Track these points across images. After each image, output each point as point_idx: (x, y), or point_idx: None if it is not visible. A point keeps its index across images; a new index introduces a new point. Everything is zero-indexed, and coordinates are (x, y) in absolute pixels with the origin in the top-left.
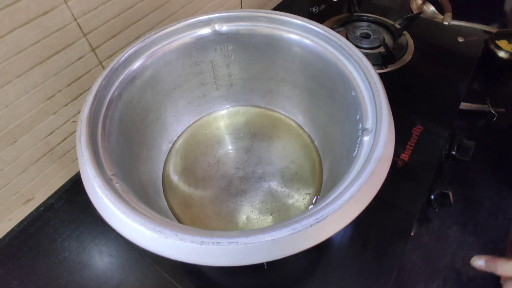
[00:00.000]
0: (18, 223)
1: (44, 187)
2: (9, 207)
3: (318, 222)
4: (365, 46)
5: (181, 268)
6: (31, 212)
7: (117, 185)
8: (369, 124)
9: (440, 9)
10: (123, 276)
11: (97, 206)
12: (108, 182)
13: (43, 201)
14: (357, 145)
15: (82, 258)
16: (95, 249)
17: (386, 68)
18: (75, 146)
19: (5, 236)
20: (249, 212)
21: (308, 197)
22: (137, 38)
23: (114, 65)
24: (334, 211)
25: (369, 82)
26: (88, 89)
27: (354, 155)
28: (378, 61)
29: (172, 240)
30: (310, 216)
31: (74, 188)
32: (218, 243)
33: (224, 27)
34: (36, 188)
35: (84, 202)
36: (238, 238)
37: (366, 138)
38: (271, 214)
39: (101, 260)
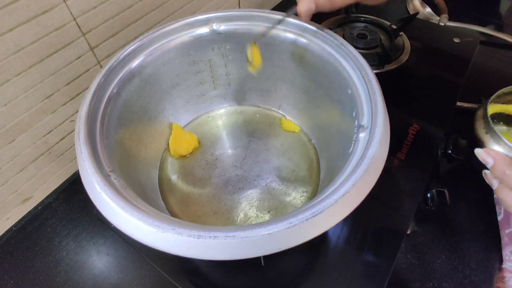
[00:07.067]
0: (16, 222)
1: (42, 186)
2: (7, 206)
3: (314, 216)
4: (362, 46)
5: (179, 267)
6: (29, 211)
7: (115, 181)
8: (365, 121)
9: (436, 11)
10: (121, 275)
11: (95, 202)
12: (106, 178)
13: (41, 201)
14: (353, 142)
15: (79, 257)
16: (93, 249)
17: (382, 68)
18: (73, 145)
19: (2, 235)
20: (246, 210)
21: (305, 195)
22: (136, 37)
23: (113, 63)
24: (330, 205)
25: (364, 80)
26: (87, 88)
27: (350, 151)
28: (375, 61)
29: (170, 234)
30: (306, 211)
31: (72, 187)
32: (215, 237)
33: (222, 27)
34: (34, 187)
35: (82, 202)
36: (234, 232)
37: (362, 135)
38: (269, 212)
39: (99, 259)
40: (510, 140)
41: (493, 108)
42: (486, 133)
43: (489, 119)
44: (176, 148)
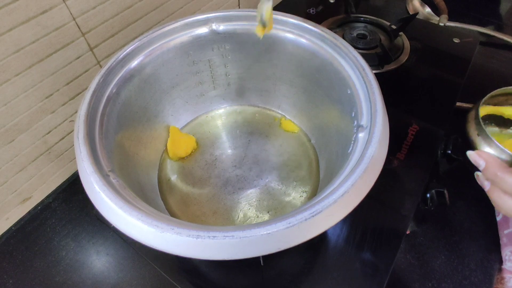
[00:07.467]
0: (15, 222)
1: (41, 186)
2: (6, 206)
3: (313, 216)
4: (361, 46)
5: (178, 267)
6: (28, 211)
7: (114, 181)
8: (364, 121)
9: (436, 11)
10: (120, 275)
11: (94, 202)
12: (105, 177)
13: (40, 201)
14: (352, 142)
15: (79, 257)
16: (93, 248)
17: (382, 68)
18: (73, 145)
19: (1, 235)
20: (246, 210)
21: (305, 195)
22: (136, 37)
23: (113, 63)
24: (329, 205)
25: (364, 80)
26: (86, 88)
27: (349, 151)
28: (375, 61)
29: (169, 234)
30: (305, 211)
31: (72, 187)
32: (214, 236)
33: (222, 27)
34: (33, 187)
35: (82, 202)
36: (233, 232)
37: (361, 135)
38: (268, 212)
39: (98, 259)
40: (503, 141)
41: (485, 110)
42: (477, 135)
43: (480, 120)
44: (174, 151)
